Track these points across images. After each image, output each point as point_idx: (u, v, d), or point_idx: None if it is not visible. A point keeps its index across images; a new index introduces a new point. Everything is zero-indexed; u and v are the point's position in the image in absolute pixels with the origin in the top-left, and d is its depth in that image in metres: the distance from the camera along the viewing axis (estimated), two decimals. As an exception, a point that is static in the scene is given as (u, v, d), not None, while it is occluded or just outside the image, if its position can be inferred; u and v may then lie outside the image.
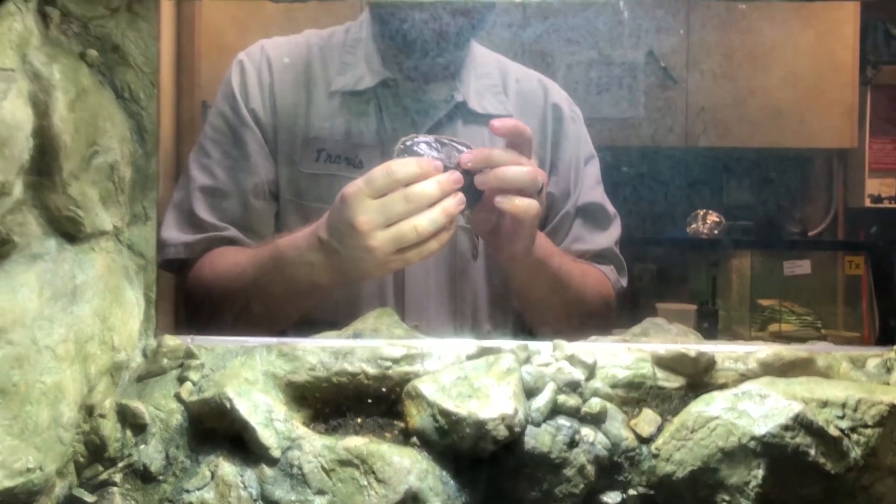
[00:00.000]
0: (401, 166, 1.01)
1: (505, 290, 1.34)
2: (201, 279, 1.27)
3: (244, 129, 1.32)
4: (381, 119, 1.33)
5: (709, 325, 3.13)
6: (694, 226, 3.39)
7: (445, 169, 1.03)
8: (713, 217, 3.38)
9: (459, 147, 1.05)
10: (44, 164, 0.75)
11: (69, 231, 0.79)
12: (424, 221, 0.99)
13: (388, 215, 0.99)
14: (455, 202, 1.00)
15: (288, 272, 1.14)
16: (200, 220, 1.30)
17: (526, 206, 1.05)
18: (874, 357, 0.90)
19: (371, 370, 0.87)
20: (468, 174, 1.04)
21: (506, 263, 1.21)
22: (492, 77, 1.41)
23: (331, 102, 1.33)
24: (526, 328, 1.34)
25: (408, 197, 0.99)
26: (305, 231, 1.12)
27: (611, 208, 1.45)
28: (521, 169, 1.04)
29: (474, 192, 1.05)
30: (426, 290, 1.32)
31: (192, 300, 1.31)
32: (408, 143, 1.05)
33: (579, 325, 1.28)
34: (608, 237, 1.43)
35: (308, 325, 1.18)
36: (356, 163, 1.30)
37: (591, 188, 1.43)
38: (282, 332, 1.23)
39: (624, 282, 1.44)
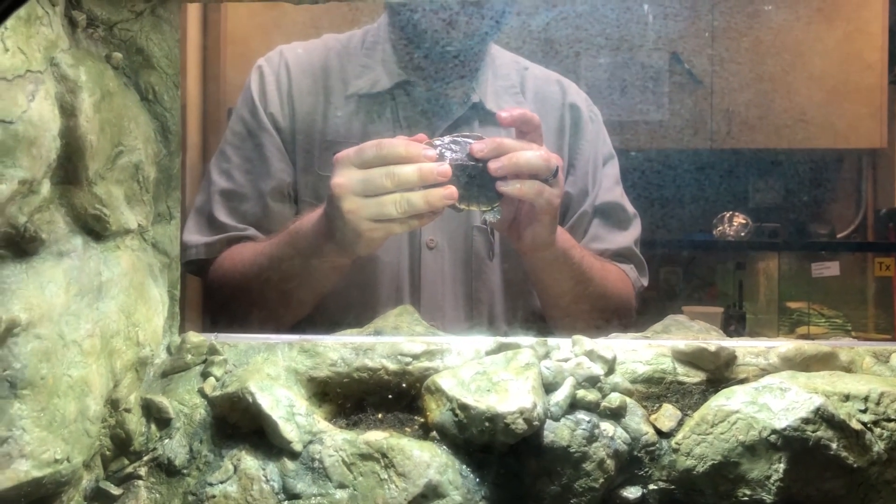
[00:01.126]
0: (389, 145, 1.04)
1: (524, 287, 1.34)
2: (221, 271, 1.30)
3: (263, 133, 1.34)
4: (398, 121, 1.34)
5: (736, 328, 3.10)
6: (720, 228, 3.36)
7: (462, 166, 1.04)
8: (740, 219, 3.35)
9: (473, 142, 1.05)
10: (70, 163, 0.77)
11: (95, 229, 0.81)
12: (405, 202, 1.02)
13: (367, 187, 1.03)
14: (441, 194, 1.02)
15: (301, 244, 1.17)
16: (220, 223, 1.32)
17: (533, 188, 1.05)
18: (898, 352, 0.89)
19: (391, 366, 0.87)
20: (484, 170, 1.05)
21: (527, 255, 1.21)
22: (510, 78, 1.41)
23: (348, 105, 1.34)
24: (545, 327, 1.34)
25: (388, 175, 1.02)
26: (316, 211, 1.17)
27: (630, 208, 1.45)
28: (532, 153, 1.05)
29: (493, 189, 1.05)
30: (442, 291, 1.32)
31: (214, 294, 1.33)
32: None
33: (600, 321, 1.28)
34: (627, 237, 1.43)
35: (326, 325, 1.20)
36: None
37: (609, 188, 1.43)
38: (299, 325, 1.25)
39: (644, 281, 1.43)
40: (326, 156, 1.32)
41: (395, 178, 1.02)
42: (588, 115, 1.43)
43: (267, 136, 1.34)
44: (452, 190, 1.02)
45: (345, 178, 1.04)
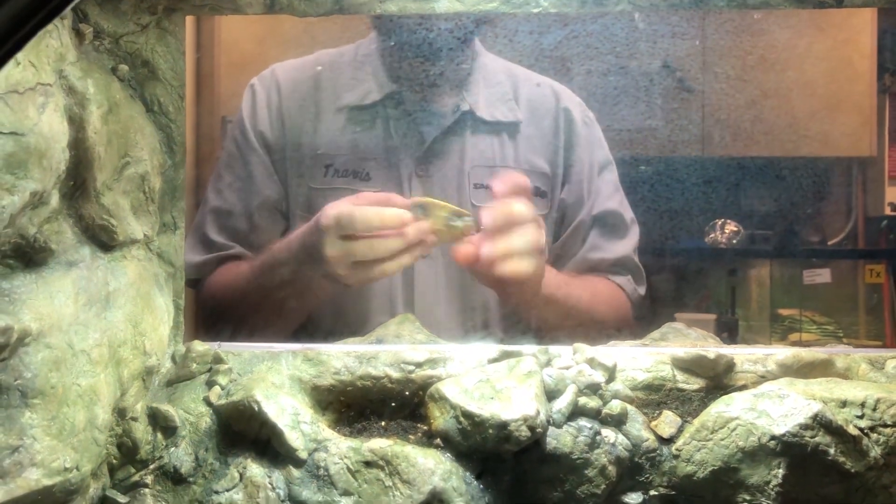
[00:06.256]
0: (363, 217, 1.08)
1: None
2: (210, 293, 1.33)
3: (250, 152, 1.36)
4: (389, 131, 1.35)
5: (728, 335, 3.11)
6: (712, 235, 3.38)
7: None
8: (731, 226, 3.37)
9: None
10: (78, 175, 0.78)
11: (102, 239, 0.81)
12: (392, 265, 1.09)
13: (354, 255, 1.09)
14: (420, 250, 1.09)
15: (279, 272, 1.20)
16: (211, 241, 1.35)
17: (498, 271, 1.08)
18: (893, 358, 0.90)
19: (394, 374, 0.88)
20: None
21: (515, 306, 1.26)
22: (502, 85, 1.42)
23: (338, 118, 1.36)
24: (540, 334, 1.36)
25: (372, 247, 1.09)
26: (295, 234, 1.20)
27: (629, 214, 1.45)
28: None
29: None
30: (436, 300, 1.33)
31: (206, 314, 1.34)
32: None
33: (594, 336, 1.30)
34: (625, 245, 1.43)
35: (319, 334, 1.21)
36: (363, 176, 1.34)
37: (608, 196, 1.43)
38: (292, 334, 1.28)
39: (642, 290, 1.44)
40: (317, 168, 1.35)
41: (379, 250, 1.08)
42: (582, 120, 1.43)
43: (254, 155, 1.36)
44: (427, 244, 1.08)
45: (334, 249, 1.09)
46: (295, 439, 0.82)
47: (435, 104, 1.36)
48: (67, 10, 0.80)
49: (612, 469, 0.82)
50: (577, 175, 1.41)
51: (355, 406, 0.89)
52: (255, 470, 0.82)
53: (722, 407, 0.83)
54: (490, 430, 0.80)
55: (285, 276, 1.19)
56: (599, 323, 1.34)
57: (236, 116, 1.41)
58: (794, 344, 3.18)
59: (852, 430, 0.79)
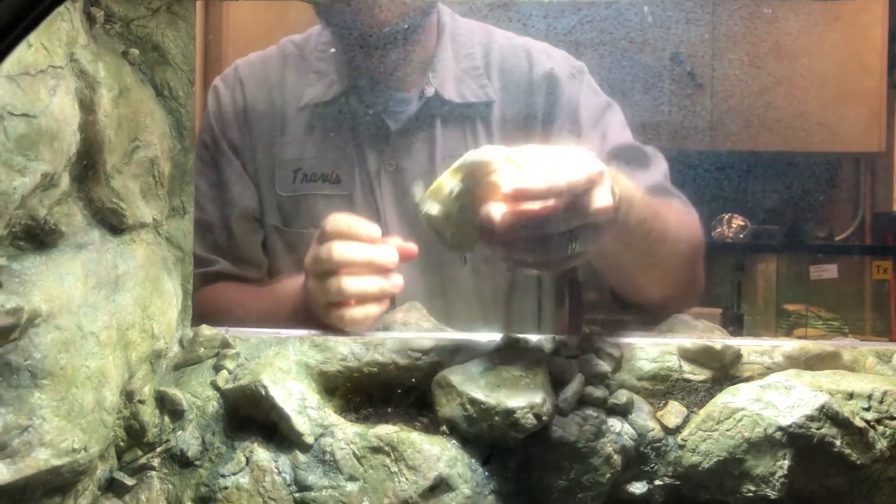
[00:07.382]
0: (328, 252, 0.99)
1: (498, 292, 1.27)
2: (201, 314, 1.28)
3: (223, 159, 1.29)
4: (354, 126, 1.27)
5: (734, 330, 3.11)
6: (719, 230, 3.37)
7: None
8: (738, 221, 3.36)
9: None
10: (88, 158, 0.78)
11: (112, 222, 0.82)
12: (352, 286, 0.99)
13: (329, 295, 1.00)
14: (391, 286, 1.00)
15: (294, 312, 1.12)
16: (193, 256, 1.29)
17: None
18: (900, 352, 0.90)
19: (401, 361, 0.89)
20: None
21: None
22: (473, 58, 1.30)
23: (303, 117, 1.28)
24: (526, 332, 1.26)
25: (341, 283, 0.99)
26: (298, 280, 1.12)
27: (647, 147, 1.27)
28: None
29: None
30: (416, 297, 1.27)
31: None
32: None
33: (682, 270, 1.13)
34: (655, 173, 1.23)
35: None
36: (333, 179, 1.26)
37: (617, 132, 1.27)
38: None
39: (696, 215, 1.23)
40: (285, 174, 1.27)
41: (349, 287, 0.99)
42: (568, 74, 1.29)
43: (227, 163, 1.29)
44: (396, 280, 1.01)
45: (315, 292, 1.02)
46: (301, 424, 0.83)
47: (399, 91, 1.27)
48: (79, -7, 0.80)
49: (617, 458, 0.82)
50: (574, 132, 1.26)
51: (362, 392, 0.89)
52: (262, 454, 0.83)
53: (728, 398, 0.83)
54: (496, 418, 0.80)
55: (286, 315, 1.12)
56: (678, 254, 1.13)
57: (203, 120, 1.33)
58: (800, 339, 3.18)
59: (858, 423, 0.79)
